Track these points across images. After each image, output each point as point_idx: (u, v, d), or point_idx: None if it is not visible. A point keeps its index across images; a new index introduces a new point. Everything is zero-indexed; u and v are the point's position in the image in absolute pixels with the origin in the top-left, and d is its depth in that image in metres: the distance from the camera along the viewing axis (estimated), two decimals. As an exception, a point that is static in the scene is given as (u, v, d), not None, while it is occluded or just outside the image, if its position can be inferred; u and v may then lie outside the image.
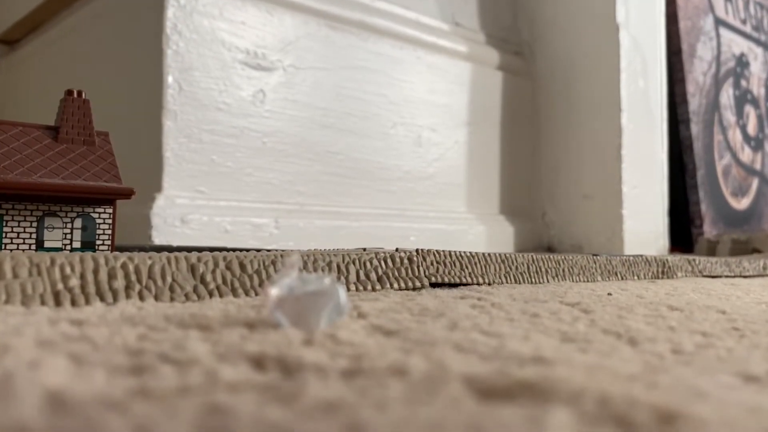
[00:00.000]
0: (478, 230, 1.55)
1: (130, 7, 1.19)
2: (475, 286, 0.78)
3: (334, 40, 1.31)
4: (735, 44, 2.16)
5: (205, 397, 0.24)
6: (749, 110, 2.22)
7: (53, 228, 0.67)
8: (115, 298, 0.52)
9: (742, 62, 2.19)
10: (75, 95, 0.73)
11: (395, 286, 0.72)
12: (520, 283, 0.84)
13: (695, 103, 1.92)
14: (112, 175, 0.70)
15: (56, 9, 1.46)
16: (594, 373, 0.30)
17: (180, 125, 1.09)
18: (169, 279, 0.56)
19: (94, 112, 0.73)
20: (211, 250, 0.86)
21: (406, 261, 0.74)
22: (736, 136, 2.12)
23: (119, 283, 0.53)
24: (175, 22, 1.08)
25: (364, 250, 0.81)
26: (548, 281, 0.89)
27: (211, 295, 0.58)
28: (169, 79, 1.07)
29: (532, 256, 0.90)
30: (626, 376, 0.30)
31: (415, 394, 0.26)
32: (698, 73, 1.95)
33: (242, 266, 0.61)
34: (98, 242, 0.73)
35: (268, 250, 0.75)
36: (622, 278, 1.00)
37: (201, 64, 1.11)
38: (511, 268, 0.85)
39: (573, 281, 0.92)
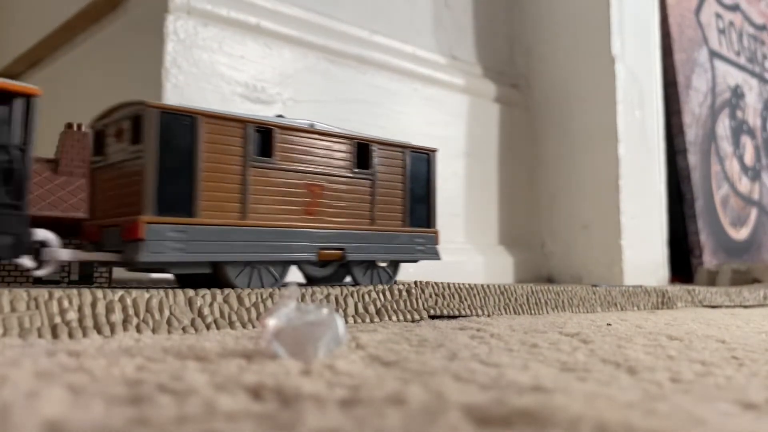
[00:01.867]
0: (478, 261, 1.54)
1: (129, 42, 1.21)
2: (475, 317, 0.77)
3: (332, 73, 1.32)
4: (730, 76, 2.19)
5: (203, 426, 0.24)
6: (746, 141, 2.24)
7: (52, 261, 0.67)
8: (113, 332, 0.52)
9: (737, 93, 2.21)
10: (75, 128, 0.74)
11: (394, 318, 0.72)
12: (519, 315, 0.84)
13: (692, 133, 1.93)
14: (111, 208, 0.70)
15: (56, 44, 1.48)
16: (592, 401, 0.30)
17: (179, 158, 1.09)
18: (166, 312, 0.56)
19: (94, 145, 0.73)
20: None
21: (404, 293, 0.74)
22: (733, 167, 2.13)
23: (117, 316, 0.53)
24: (175, 56, 1.09)
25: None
26: (548, 312, 0.89)
27: (208, 328, 0.58)
28: (169, 112, 1.07)
29: (531, 287, 0.89)
30: (624, 403, 0.30)
31: (413, 423, 0.26)
32: (694, 104, 1.97)
33: (240, 299, 0.61)
34: (96, 275, 0.73)
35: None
36: (622, 309, 0.99)
37: (201, 98, 1.12)
38: (510, 300, 0.85)
39: (573, 312, 0.91)
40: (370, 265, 0.78)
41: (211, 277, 0.66)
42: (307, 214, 0.71)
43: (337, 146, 0.74)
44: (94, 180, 0.68)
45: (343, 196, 0.75)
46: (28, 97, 0.56)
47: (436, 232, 0.86)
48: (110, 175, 0.65)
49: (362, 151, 0.77)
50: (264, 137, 0.68)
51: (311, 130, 0.73)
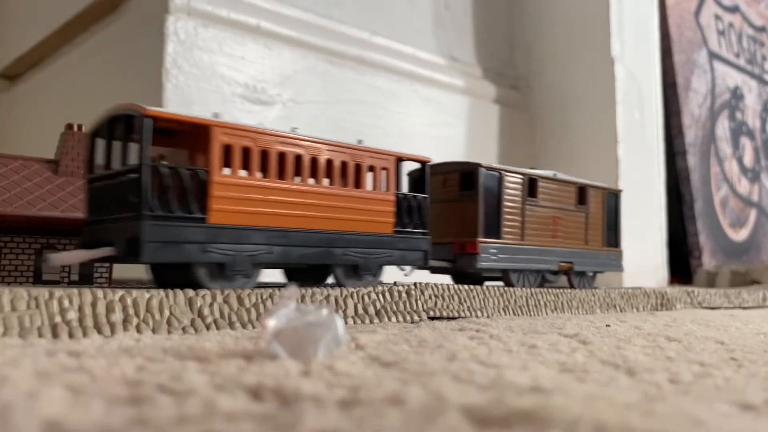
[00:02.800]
0: (477, 262, 1.55)
1: (130, 42, 1.21)
2: (474, 318, 0.78)
3: (332, 74, 1.32)
4: (729, 77, 2.19)
5: (203, 427, 0.24)
6: (745, 142, 2.24)
7: (52, 261, 0.67)
8: (113, 332, 0.52)
9: (736, 95, 2.22)
10: (75, 129, 0.74)
11: (393, 319, 0.72)
12: (519, 316, 0.84)
13: (691, 135, 1.93)
14: (112, 208, 0.71)
15: (57, 44, 1.48)
16: (591, 402, 0.30)
17: (179, 159, 1.09)
18: (166, 312, 0.56)
19: (94, 145, 0.73)
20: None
21: (404, 295, 0.74)
22: (732, 168, 2.13)
23: (117, 316, 0.53)
24: (175, 57, 1.09)
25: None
26: (547, 314, 0.89)
27: (208, 328, 0.58)
28: (169, 113, 1.07)
29: (530, 289, 0.90)
30: (623, 404, 0.30)
31: (412, 424, 0.26)
32: (693, 106, 1.97)
33: (240, 300, 0.61)
34: (96, 275, 0.73)
35: (266, 285, 0.75)
36: (621, 310, 0.99)
37: (201, 98, 1.12)
38: (509, 302, 0.85)
39: (572, 314, 0.91)
40: (582, 273, 1.06)
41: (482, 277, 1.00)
42: (552, 237, 0.99)
43: (567, 189, 1.03)
44: None
45: (571, 224, 1.03)
46: (424, 164, 0.81)
47: (621, 251, 1.14)
48: (436, 210, 0.88)
49: (581, 192, 1.06)
50: (531, 184, 0.96)
51: (555, 179, 1.01)
